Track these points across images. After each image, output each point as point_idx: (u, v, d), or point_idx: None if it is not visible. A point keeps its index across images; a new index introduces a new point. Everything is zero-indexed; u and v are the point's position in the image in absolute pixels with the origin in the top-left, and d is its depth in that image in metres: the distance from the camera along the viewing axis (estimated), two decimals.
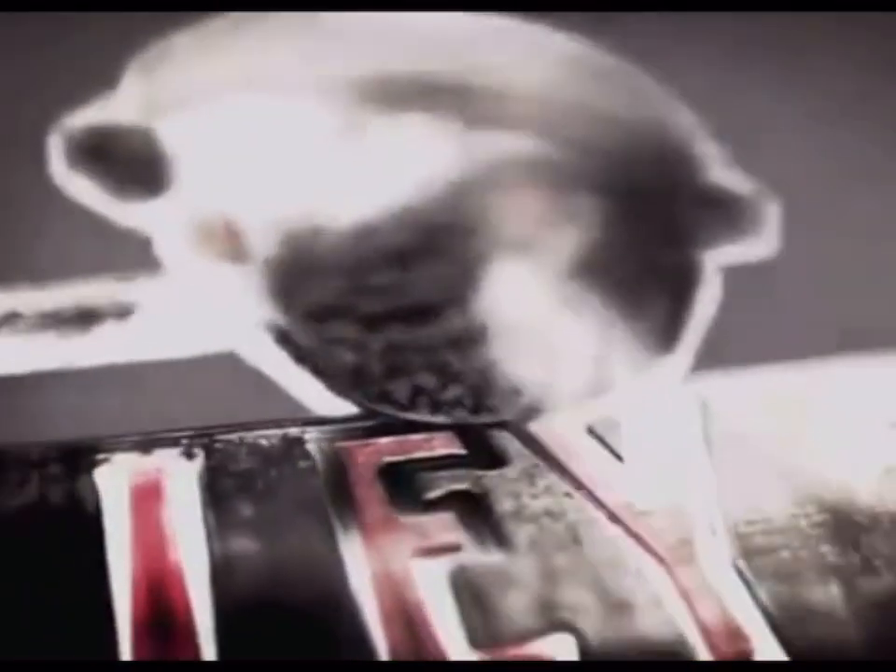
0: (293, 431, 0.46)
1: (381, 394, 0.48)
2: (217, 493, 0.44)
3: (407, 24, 0.53)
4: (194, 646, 0.40)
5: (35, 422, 0.47)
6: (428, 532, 0.44)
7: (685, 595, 0.43)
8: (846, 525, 0.46)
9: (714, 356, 0.50)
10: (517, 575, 0.43)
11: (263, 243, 0.50)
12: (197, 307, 0.50)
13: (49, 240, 0.52)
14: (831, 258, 0.54)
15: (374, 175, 0.50)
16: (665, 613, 0.43)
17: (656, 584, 0.44)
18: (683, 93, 0.53)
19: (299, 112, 0.51)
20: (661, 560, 0.44)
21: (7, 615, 0.41)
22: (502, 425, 0.47)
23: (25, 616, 0.41)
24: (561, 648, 0.42)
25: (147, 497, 0.44)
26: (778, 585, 0.44)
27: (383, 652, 0.41)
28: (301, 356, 0.48)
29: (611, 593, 0.43)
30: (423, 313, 0.49)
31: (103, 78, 0.51)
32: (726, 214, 0.53)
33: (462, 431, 0.47)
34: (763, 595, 0.44)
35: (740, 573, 0.44)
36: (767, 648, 0.43)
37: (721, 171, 0.53)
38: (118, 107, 0.51)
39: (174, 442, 0.45)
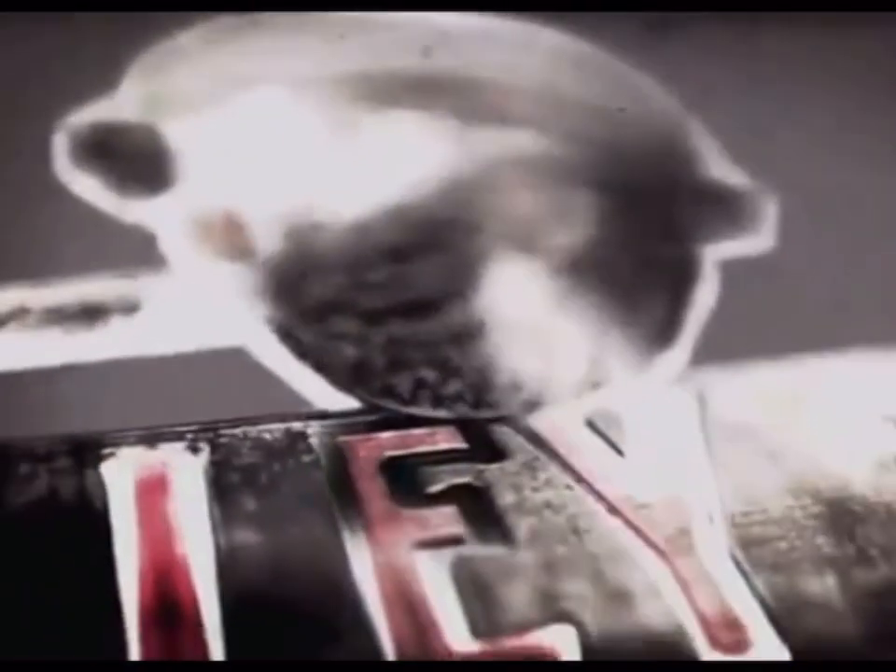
0: (296, 426, 0.47)
1: (383, 389, 0.48)
2: (222, 486, 0.44)
3: (404, 23, 0.54)
4: (201, 636, 0.40)
5: (42, 416, 0.47)
6: (430, 525, 0.44)
7: (683, 586, 0.44)
8: (841, 517, 0.46)
9: (712, 350, 0.50)
10: (518, 566, 0.43)
11: (265, 239, 0.50)
12: (201, 303, 0.50)
13: (55, 237, 0.52)
14: (828, 252, 0.54)
15: (373, 171, 0.51)
16: (663, 603, 0.43)
17: (655, 575, 0.44)
18: (682, 91, 0.54)
19: (299, 110, 0.51)
20: (660, 551, 0.44)
21: (17, 607, 0.41)
22: (503, 419, 0.48)
23: (34, 608, 0.41)
24: (562, 638, 0.42)
25: (153, 491, 0.44)
26: (775, 575, 0.44)
27: (386, 643, 0.41)
28: (304, 351, 0.49)
29: (611, 583, 0.43)
30: (423, 308, 0.49)
31: (106, 77, 0.52)
32: (724, 209, 0.53)
33: (463, 426, 0.47)
34: (760, 584, 0.44)
35: (737, 563, 0.44)
36: (764, 637, 0.43)
37: (719, 167, 0.54)
38: (121, 105, 0.51)
39: (179, 437, 0.46)
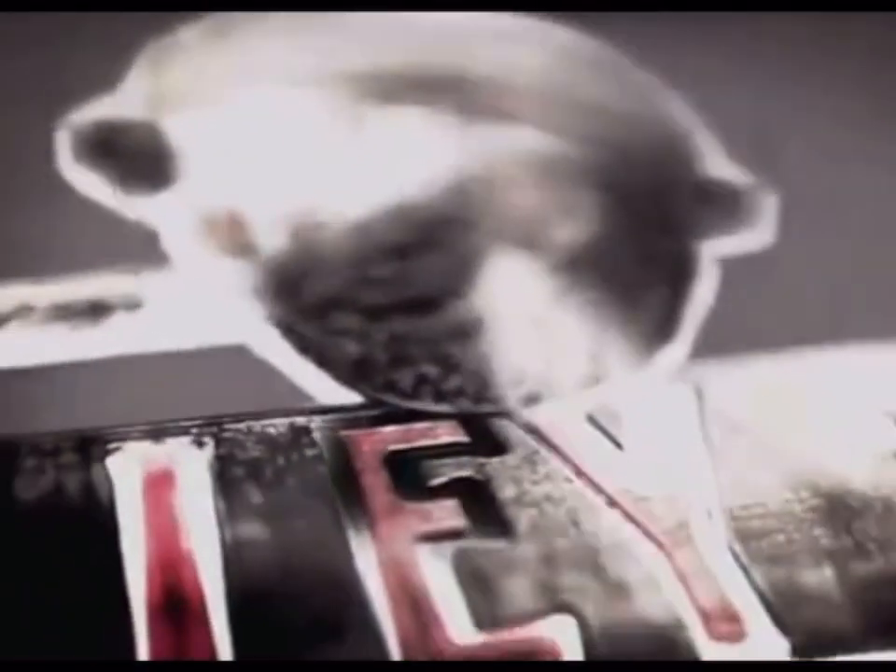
0: (300, 420, 0.47)
1: (385, 384, 0.48)
2: (227, 480, 0.44)
3: (406, 19, 0.54)
4: (207, 629, 0.41)
5: (48, 412, 0.48)
6: (433, 518, 0.44)
7: (682, 578, 0.44)
8: (839, 510, 0.46)
9: (711, 345, 0.50)
10: (519, 559, 0.44)
11: (267, 236, 0.50)
12: (204, 300, 0.50)
13: (58, 234, 0.52)
14: (827, 248, 0.55)
15: (376, 168, 0.51)
16: (662, 595, 0.43)
17: (654, 567, 0.44)
18: (682, 89, 0.54)
19: (301, 107, 0.51)
20: (659, 544, 0.44)
21: (24, 602, 0.41)
22: (504, 413, 0.48)
23: (41, 603, 0.41)
24: (562, 629, 0.42)
25: (158, 485, 0.44)
26: (773, 568, 0.44)
27: (389, 634, 0.41)
28: (306, 347, 0.49)
29: (611, 575, 0.43)
30: (424, 304, 0.49)
31: (109, 75, 0.52)
32: (723, 205, 0.53)
33: (465, 420, 0.47)
34: (759, 577, 0.44)
35: (736, 556, 0.44)
36: (762, 628, 0.43)
37: (719, 163, 0.54)
38: (124, 102, 0.51)
39: (184, 431, 0.46)
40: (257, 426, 0.46)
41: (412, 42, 0.54)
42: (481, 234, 0.51)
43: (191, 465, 0.45)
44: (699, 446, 0.48)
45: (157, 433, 0.46)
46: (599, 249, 0.51)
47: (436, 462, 0.46)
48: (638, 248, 0.52)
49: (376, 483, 0.45)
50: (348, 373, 0.49)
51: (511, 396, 0.48)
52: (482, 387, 0.48)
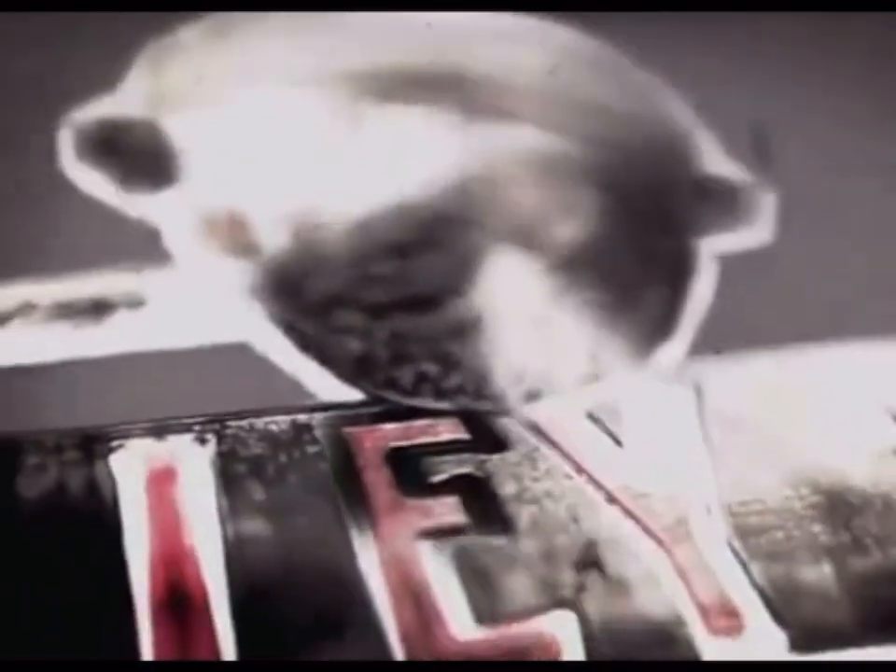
0: (302, 417, 0.47)
1: (386, 381, 0.48)
2: (230, 477, 0.45)
3: (405, 19, 0.54)
4: (210, 624, 0.41)
5: (51, 410, 0.48)
6: (434, 514, 0.44)
7: (682, 574, 0.44)
8: (838, 507, 0.46)
9: (710, 342, 0.51)
10: (519, 555, 0.44)
11: (269, 235, 0.50)
12: (206, 298, 0.50)
13: (61, 233, 0.52)
14: (826, 245, 0.55)
15: (376, 167, 0.51)
16: (662, 591, 0.43)
17: (654, 563, 0.44)
18: (682, 88, 0.54)
19: (301, 106, 0.51)
20: (658, 540, 0.45)
21: (27, 599, 0.41)
22: (504, 411, 0.48)
23: (45, 599, 0.41)
24: (562, 625, 0.42)
25: (161, 482, 0.44)
26: (772, 564, 0.44)
27: (391, 630, 0.41)
28: (308, 345, 0.49)
29: (610, 571, 0.44)
30: (425, 302, 0.49)
31: (110, 74, 0.52)
32: (722, 203, 0.54)
33: (465, 417, 0.47)
34: (758, 573, 0.44)
35: (735, 552, 0.45)
36: (761, 624, 0.43)
37: (718, 161, 0.54)
38: (125, 101, 0.51)
39: (186, 429, 0.46)
40: (259, 423, 0.46)
41: (412, 41, 0.54)
42: (481, 233, 0.51)
43: (194, 462, 0.45)
44: (698, 443, 0.48)
45: (159, 430, 0.46)
46: (599, 248, 0.51)
47: (437, 459, 0.46)
48: (638, 246, 0.52)
49: (377, 480, 0.45)
50: (350, 371, 0.49)
51: (511, 393, 0.49)
52: (482, 385, 0.49)
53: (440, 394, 0.48)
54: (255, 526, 0.43)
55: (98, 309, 0.49)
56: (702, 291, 0.52)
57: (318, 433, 0.46)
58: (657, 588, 0.43)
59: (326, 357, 0.49)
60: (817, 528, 0.45)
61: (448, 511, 0.44)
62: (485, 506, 0.45)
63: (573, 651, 0.42)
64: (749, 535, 0.45)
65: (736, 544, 0.45)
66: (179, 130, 0.51)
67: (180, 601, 0.41)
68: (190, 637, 0.41)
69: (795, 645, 0.43)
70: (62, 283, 0.50)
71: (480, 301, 0.50)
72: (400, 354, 0.49)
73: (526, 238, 0.51)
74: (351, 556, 0.43)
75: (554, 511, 0.45)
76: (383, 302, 0.49)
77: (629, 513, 0.45)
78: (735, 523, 0.45)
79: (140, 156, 0.50)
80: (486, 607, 0.42)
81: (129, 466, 0.45)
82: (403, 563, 0.43)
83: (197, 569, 0.42)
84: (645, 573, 0.44)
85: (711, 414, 0.49)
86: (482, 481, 0.46)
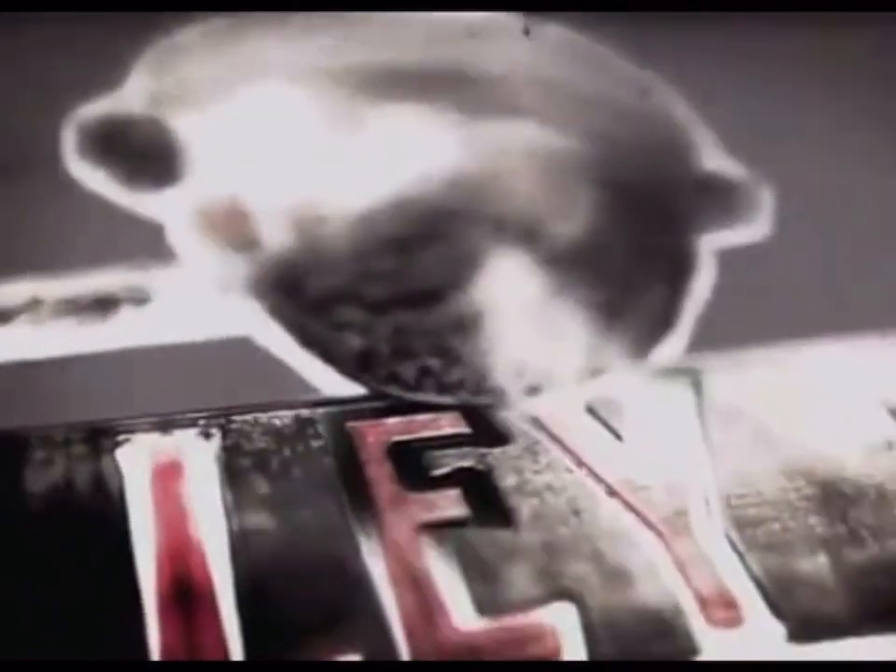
0: (305, 412, 0.47)
1: (388, 376, 0.49)
2: (234, 471, 0.45)
3: (405, 18, 0.54)
4: (216, 616, 0.41)
5: (57, 405, 0.48)
6: (436, 507, 0.44)
7: (680, 565, 0.44)
8: (834, 498, 0.46)
9: (708, 337, 0.51)
10: (521, 547, 0.44)
11: (271, 231, 0.50)
12: (209, 294, 0.50)
13: (66, 230, 0.52)
14: (822, 241, 0.55)
15: (377, 164, 0.51)
16: (661, 582, 0.44)
17: (653, 555, 0.44)
18: (680, 85, 0.54)
19: (303, 103, 0.52)
20: (657, 532, 0.45)
21: (35, 591, 0.42)
22: (505, 404, 0.48)
23: (53, 592, 0.41)
24: (563, 615, 0.43)
25: (167, 476, 0.44)
26: (769, 555, 0.45)
27: (394, 622, 0.41)
28: (311, 340, 0.49)
29: (610, 563, 0.44)
30: (426, 298, 0.50)
31: (114, 72, 0.52)
32: (721, 199, 0.54)
33: (467, 411, 0.48)
34: (755, 564, 0.44)
35: (732, 544, 0.45)
36: (758, 614, 0.43)
37: (717, 158, 0.54)
38: (128, 100, 0.52)
39: (191, 423, 0.46)
40: (263, 417, 0.47)
41: (411, 39, 0.54)
42: (481, 229, 0.51)
43: (199, 456, 0.45)
44: (697, 437, 0.48)
45: (165, 425, 0.46)
46: (598, 243, 0.52)
47: (439, 453, 0.46)
48: (637, 242, 0.52)
49: (380, 474, 0.45)
50: (352, 366, 0.49)
51: (511, 387, 0.49)
52: (483, 379, 0.49)
53: (442, 388, 0.48)
54: (259, 519, 0.43)
55: (103, 305, 0.50)
56: (701, 287, 0.52)
57: (322, 428, 0.47)
58: (656, 579, 0.44)
59: (328, 353, 0.49)
60: (813, 520, 0.46)
61: (450, 503, 0.45)
62: (487, 499, 0.45)
63: (573, 641, 0.42)
64: (747, 526, 0.45)
65: (734, 536, 0.45)
66: (182, 127, 0.51)
67: (186, 593, 0.42)
68: (197, 627, 0.41)
69: (793, 635, 0.43)
70: (67, 279, 0.50)
71: (480, 296, 0.50)
72: (402, 349, 0.49)
73: (526, 233, 0.51)
74: (354, 549, 0.43)
75: (555, 504, 0.45)
76: (384, 298, 0.50)
77: (629, 506, 0.45)
78: (733, 515, 0.46)
79: (143, 153, 0.51)
80: (488, 598, 0.42)
81: (135, 460, 0.45)
82: (406, 555, 0.43)
83: (203, 562, 0.42)
84: (644, 565, 0.44)
85: (709, 409, 0.49)
86: (483, 474, 0.46)
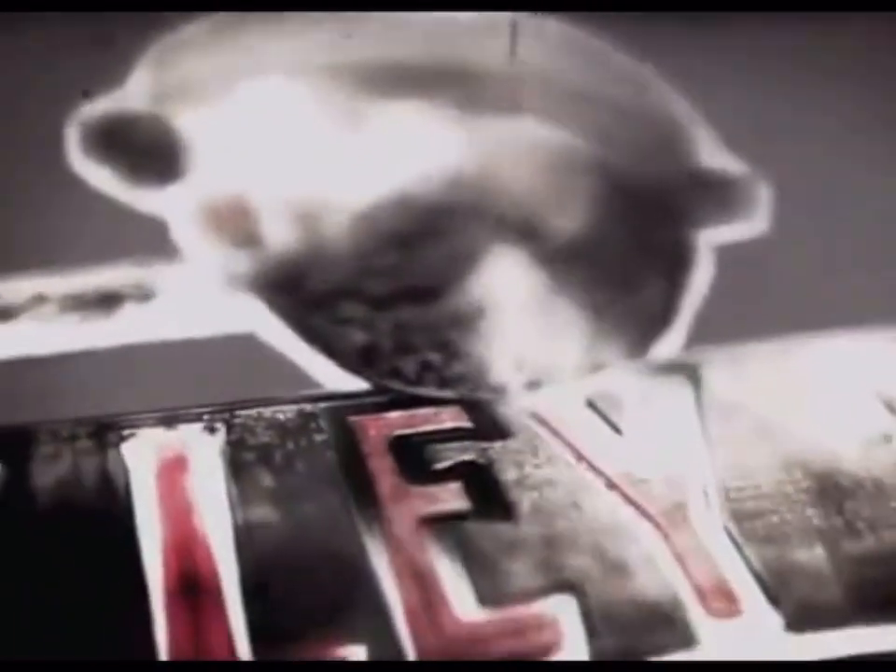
0: (308, 406, 0.47)
1: (390, 370, 0.49)
2: (239, 465, 0.45)
3: (406, 15, 0.54)
4: (222, 607, 0.41)
5: (63, 400, 0.48)
6: (437, 500, 0.45)
7: (679, 557, 0.44)
8: (830, 491, 0.47)
9: (707, 331, 0.51)
10: (521, 539, 0.44)
11: (274, 228, 0.51)
12: (213, 290, 0.50)
13: (70, 228, 0.52)
14: (820, 237, 0.55)
15: (377, 161, 0.51)
16: (660, 573, 0.44)
17: (652, 547, 0.45)
18: (680, 82, 0.54)
19: (305, 100, 0.52)
20: (656, 524, 0.45)
21: (43, 582, 0.42)
22: (506, 399, 0.48)
23: (61, 584, 0.42)
24: (563, 607, 0.43)
25: (172, 470, 0.45)
26: (767, 547, 0.45)
27: (397, 613, 0.42)
28: (313, 336, 0.50)
29: (610, 555, 0.44)
30: (427, 293, 0.50)
31: (117, 70, 0.52)
32: (720, 195, 0.54)
33: (468, 405, 0.48)
34: (752, 555, 0.45)
35: (731, 536, 0.45)
36: (756, 605, 0.44)
37: (715, 155, 0.54)
38: (131, 97, 0.52)
39: (196, 418, 0.46)
40: (266, 412, 0.47)
41: (413, 36, 0.54)
42: (481, 224, 0.51)
43: (204, 450, 0.46)
44: (695, 431, 0.48)
45: (170, 420, 0.46)
46: (597, 239, 0.52)
47: (440, 446, 0.46)
48: (636, 238, 0.53)
49: (382, 467, 0.45)
50: (354, 361, 0.49)
51: (512, 382, 0.49)
52: (483, 374, 0.49)
53: (443, 382, 0.49)
54: (263, 512, 0.44)
55: (108, 301, 0.50)
56: (699, 282, 0.52)
57: (324, 422, 0.47)
58: (656, 571, 0.44)
59: (331, 348, 0.49)
60: (810, 512, 0.46)
61: (451, 497, 0.45)
62: (488, 492, 0.45)
63: (573, 632, 0.42)
64: (745, 519, 0.46)
65: (732, 528, 0.45)
66: (185, 124, 0.51)
67: (192, 585, 0.42)
68: (202, 619, 0.41)
69: (790, 625, 0.43)
70: (72, 276, 0.50)
71: (481, 291, 0.50)
72: (404, 344, 0.49)
73: (526, 229, 0.52)
74: (357, 541, 0.43)
75: (555, 497, 0.45)
76: (386, 294, 0.50)
77: (628, 499, 0.46)
78: (731, 507, 0.46)
79: (146, 150, 0.51)
80: (489, 589, 0.43)
81: (140, 454, 0.45)
82: (408, 547, 0.43)
83: (208, 554, 0.43)
84: (644, 557, 0.44)
85: (708, 403, 0.49)
86: (484, 467, 0.46)
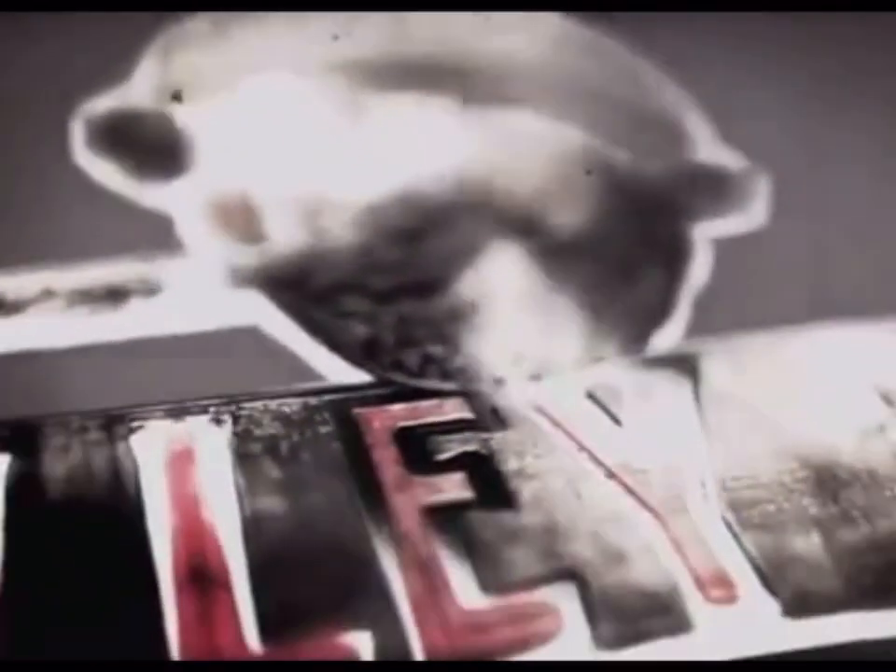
0: (313, 399, 0.48)
1: (393, 363, 0.49)
2: (245, 456, 0.45)
3: (407, 13, 0.55)
4: (230, 596, 0.42)
5: (72, 393, 0.48)
6: (440, 490, 0.45)
7: (677, 546, 0.45)
8: (827, 481, 0.47)
9: (706, 323, 0.52)
10: (523, 528, 0.45)
11: (278, 222, 0.51)
12: (219, 284, 0.51)
13: (77, 223, 0.53)
14: (816, 229, 0.55)
15: (380, 156, 0.52)
16: (659, 562, 0.44)
17: (651, 536, 0.45)
18: (679, 77, 0.55)
19: (308, 95, 0.52)
20: (655, 514, 0.45)
21: (54, 573, 0.42)
22: (507, 390, 0.49)
23: (71, 576, 0.42)
24: (564, 594, 0.43)
25: (180, 462, 0.45)
26: (764, 535, 0.45)
27: (401, 600, 0.42)
28: (317, 329, 0.50)
29: (610, 544, 0.44)
30: (429, 287, 0.50)
31: (121, 66, 0.53)
32: (717, 188, 0.54)
33: (470, 397, 0.48)
34: (750, 544, 0.45)
35: (728, 525, 0.46)
36: (753, 593, 0.44)
37: (713, 147, 0.55)
38: (136, 92, 0.52)
39: (203, 410, 0.47)
40: (272, 404, 0.47)
41: (415, 31, 0.54)
42: (483, 219, 0.52)
43: (211, 442, 0.46)
44: (694, 421, 0.49)
45: (177, 412, 0.47)
46: (597, 233, 0.52)
47: (443, 437, 0.47)
48: (635, 231, 0.53)
49: (386, 458, 0.46)
50: (358, 354, 0.50)
51: (513, 374, 0.49)
52: (485, 366, 0.49)
53: (445, 375, 0.49)
54: (270, 503, 0.44)
55: (114, 296, 0.50)
56: (697, 275, 0.53)
57: (329, 414, 0.47)
58: (654, 559, 0.44)
59: (334, 342, 0.50)
60: (806, 501, 0.46)
61: (454, 487, 0.45)
62: (490, 482, 0.46)
63: (574, 619, 0.43)
64: (742, 508, 0.46)
65: (730, 517, 0.46)
66: (190, 119, 0.52)
67: (201, 575, 0.42)
68: (211, 608, 0.42)
69: (787, 611, 0.44)
70: (79, 271, 0.50)
71: (482, 285, 0.51)
72: (406, 337, 0.50)
73: (527, 224, 0.52)
74: (362, 530, 0.44)
75: (556, 487, 0.46)
76: (388, 288, 0.50)
77: (627, 488, 0.46)
78: (729, 497, 0.46)
79: (152, 145, 0.51)
80: (491, 577, 0.43)
81: (149, 446, 0.46)
82: (412, 536, 0.44)
83: (217, 545, 0.43)
84: (643, 545, 0.45)
85: (706, 394, 0.49)
86: (486, 458, 0.47)
